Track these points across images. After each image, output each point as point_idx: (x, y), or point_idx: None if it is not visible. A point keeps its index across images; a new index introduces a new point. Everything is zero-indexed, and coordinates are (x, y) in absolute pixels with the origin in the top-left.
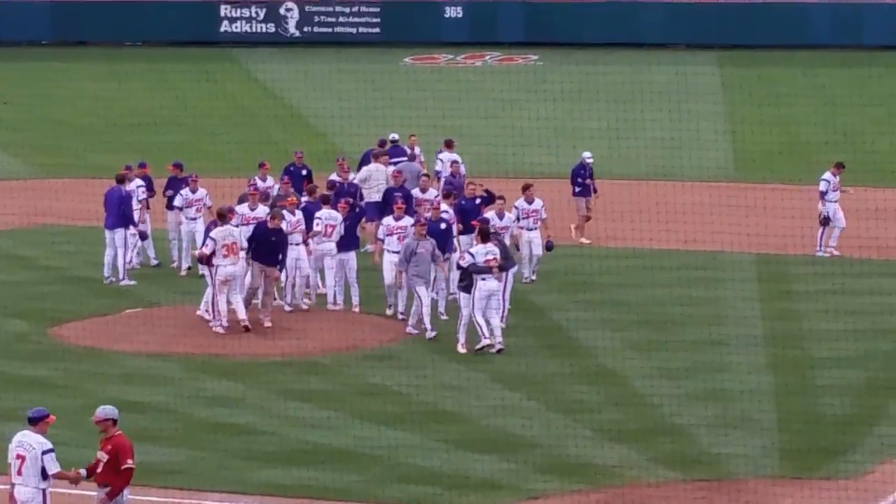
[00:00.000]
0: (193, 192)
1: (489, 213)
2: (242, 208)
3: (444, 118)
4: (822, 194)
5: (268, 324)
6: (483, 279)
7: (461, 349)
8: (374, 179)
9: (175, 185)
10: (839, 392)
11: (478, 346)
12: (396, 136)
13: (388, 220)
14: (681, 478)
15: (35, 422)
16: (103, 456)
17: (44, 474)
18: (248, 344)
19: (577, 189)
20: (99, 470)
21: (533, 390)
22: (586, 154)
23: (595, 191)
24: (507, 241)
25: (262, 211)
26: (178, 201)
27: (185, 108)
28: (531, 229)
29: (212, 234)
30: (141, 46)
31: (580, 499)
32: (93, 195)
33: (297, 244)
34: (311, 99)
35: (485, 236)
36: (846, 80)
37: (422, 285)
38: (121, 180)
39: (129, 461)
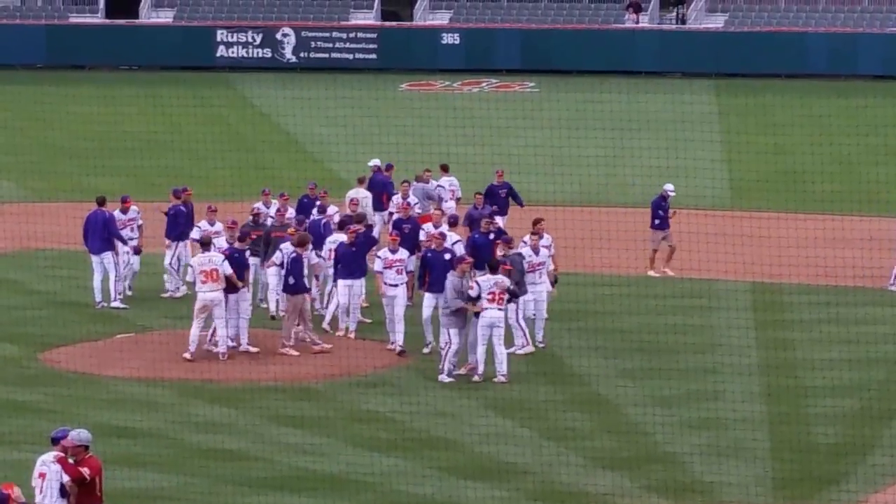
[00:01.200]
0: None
1: (524, 249)
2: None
3: (440, 145)
4: None
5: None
6: (485, 309)
7: (445, 378)
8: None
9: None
10: (833, 421)
11: (464, 373)
12: (378, 162)
13: (385, 253)
14: None
15: (55, 442)
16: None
17: (62, 492)
18: (241, 369)
19: (657, 221)
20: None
21: (525, 417)
22: (668, 186)
23: (674, 214)
24: (545, 278)
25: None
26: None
27: (180, 132)
28: (536, 283)
29: (191, 260)
30: (136, 70)
31: None
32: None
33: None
34: (307, 124)
35: (493, 268)
36: (842, 110)
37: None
38: (101, 203)
39: (85, 469)
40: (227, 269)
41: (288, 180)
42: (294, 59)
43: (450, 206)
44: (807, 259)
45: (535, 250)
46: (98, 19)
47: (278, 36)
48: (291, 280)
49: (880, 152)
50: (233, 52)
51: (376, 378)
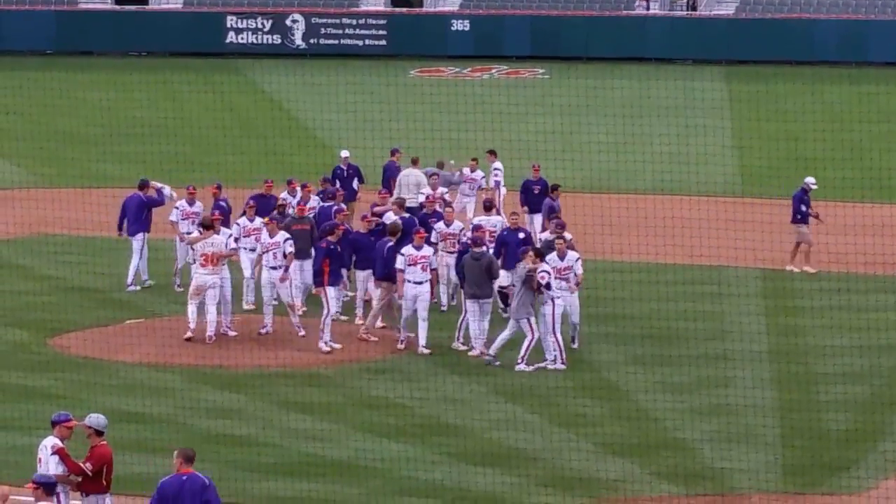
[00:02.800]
0: (191, 204)
1: (549, 256)
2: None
3: (450, 131)
4: None
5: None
6: (559, 297)
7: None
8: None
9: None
10: (843, 408)
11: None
12: (346, 154)
13: (409, 250)
14: (683, 492)
15: (54, 425)
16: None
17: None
18: (250, 355)
19: (799, 216)
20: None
21: (535, 404)
22: (810, 179)
23: (817, 216)
24: (573, 284)
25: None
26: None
27: (190, 118)
28: (563, 290)
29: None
30: (146, 56)
31: None
32: (95, 205)
33: (274, 267)
34: (316, 111)
35: (539, 254)
36: (852, 97)
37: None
38: (142, 187)
39: (88, 465)
40: (230, 244)
41: (297, 166)
42: (304, 46)
43: (468, 200)
44: (817, 246)
45: (561, 255)
46: (107, 5)
47: (288, 22)
48: (385, 269)
49: (891, 139)
50: (242, 39)
51: (385, 364)
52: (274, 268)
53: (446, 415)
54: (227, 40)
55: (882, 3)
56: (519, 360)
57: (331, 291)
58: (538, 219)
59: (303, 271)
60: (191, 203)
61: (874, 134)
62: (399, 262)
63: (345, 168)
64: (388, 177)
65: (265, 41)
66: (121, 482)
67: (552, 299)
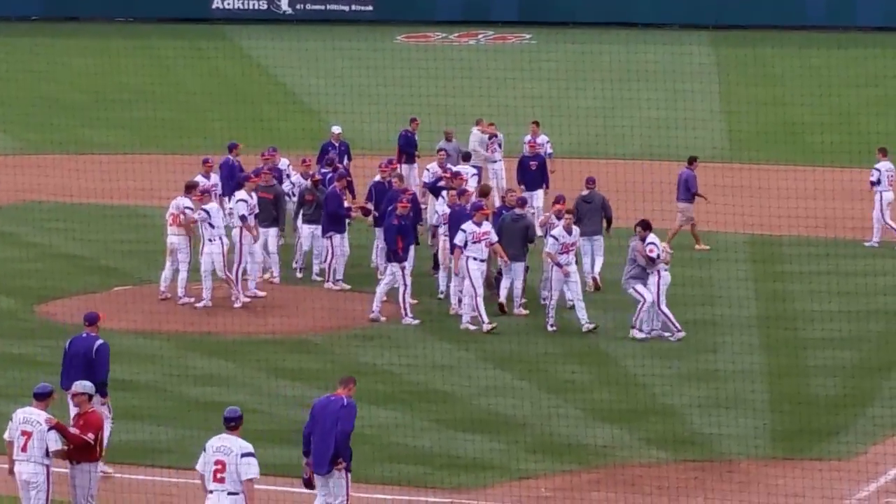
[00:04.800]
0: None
1: (556, 230)
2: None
3: (437, 97)
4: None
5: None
6: (665, 269)
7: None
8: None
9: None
10: (831, 373)
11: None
12: (338, 130)
13: (470, 226)
14: (672, 458)
15: (41, 398)
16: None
17: (47, 453)
18: (239, 322)
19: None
20: (71, 446)
21: (524, 370)
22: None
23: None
24: (573, 259)
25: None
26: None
27: (176, 84)
28: (569, 265)
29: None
30: (132, 22)
31: (571, 479)
32: (81, 171)
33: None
34: (303, 76)
35: (647, 226)
36: (840, 61)
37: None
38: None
39: (90, 434)
40: (189, 214)
41: (284, 132)
42: (290, 11)
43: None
44: (805, 211)
45: (569, 230)
46: None
47: None
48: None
49: (879, 104)
50: (228, 4)
51: (373, 331)
52: (210, 240)
53: (435, 381)
54: (214, 6)
55: None
56: (633, 325)
57: (406, 268)
58: (539, 195)
59: (270, 238)
60: (206, 176)
61: (862, 98)
62: (459, 239)
63: (336, 144)
64: (401, 145)
65: (251, 7)
66: (109, 450)
67: (658, 271)
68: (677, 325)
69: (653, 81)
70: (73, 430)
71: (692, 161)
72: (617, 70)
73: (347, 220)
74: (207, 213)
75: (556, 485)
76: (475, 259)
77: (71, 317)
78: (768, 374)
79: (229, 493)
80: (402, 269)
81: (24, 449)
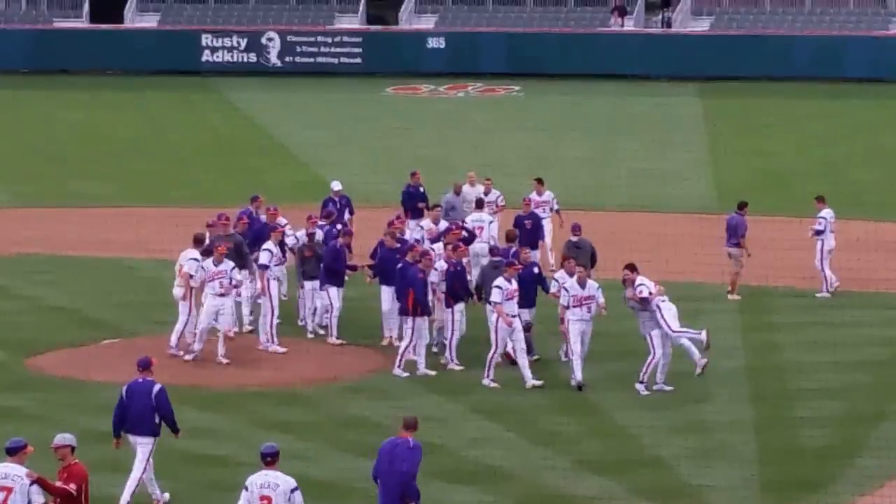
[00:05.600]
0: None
1: (568, 283)
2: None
3: (426, 147)
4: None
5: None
6: (664, 300)
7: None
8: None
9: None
10: (820, 424)
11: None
12: (339, 186)
13: (502, 283)
14: None
15: (13, 452)
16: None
17: None
18: (228, 374)
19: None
20: (57, 501)
21: (512, 421)
22: None
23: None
24: (591, 315)
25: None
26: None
27: (166, 137)
28: (584, 319)
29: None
30: (122, 75)
31: None
32: (72, 224)
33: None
34: (291, 128)
35: (633, 268)
36: (827, 112)
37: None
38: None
39: (72, 485)
40: (191, 268)
41: (273, 184)
42: (279, 64)
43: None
44: (793, 261)
45: (582, 283)
46: (83, 24)
47: (263, 40)
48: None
49: (866, 155)
50: (218, 57)
51: (363, 383)
52: (221, 295)
53: (424, 433)
54: (203, 59)
55: (857, 19)
56: (640, 379)
57: (417, 321)
58: (536, 255)
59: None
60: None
61: (849, 149)
62: (496, 296)
63: (336, 200)
64: (402, 201)
65: (240, 59)
66: (96, 503)
67: (658, 307)
68: (694, 330)
69: (640, 133)
70: (57, 484)
71: (742, 206)
72: (604, 121)
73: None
74: (203, 268)
75: None
76: (511, 316)
77: (60, 370)
78: (756, 425)
79: None
80: (414, 322)
81: None
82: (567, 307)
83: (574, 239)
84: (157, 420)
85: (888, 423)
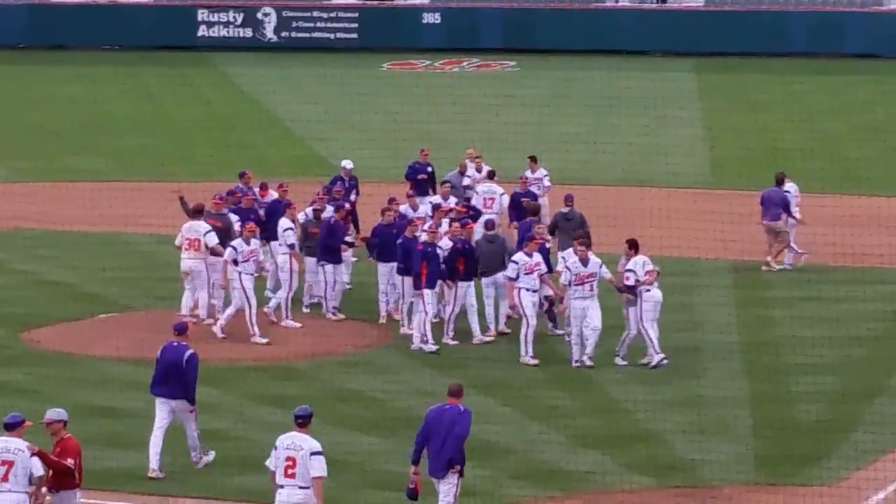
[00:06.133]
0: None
1: (571, 261)
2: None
3: (422, 123)
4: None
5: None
6: (649, 290)
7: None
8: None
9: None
10: (815, 399)
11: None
12: (350, 165)
13: (520, 257)
14: (655, 484)
15: (12, 427)
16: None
17: (30, 479)
18: (224, 349)
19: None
20: (50, 473)
21: (508, 396)
22: None
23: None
24: (595, 293)
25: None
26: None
27: (162, 112)
28: (585, 297)
29: (183, 227)
30: (118, 50)
31: None
32: (68, 199)
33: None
34: (288, 103)
35: (634, 246)
36: (824, 88)
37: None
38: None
39: (70, 460)
40: (212, 241)
41: (269, 160)
42: (275, 39)
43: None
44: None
45: (584, 261)
46: None
47: (259, 15)
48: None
49: (862, 130)
50: (214, 32)
51: (358, 357)
52: (250, 275)
53: (419, 408)
54: (199, 34)
55: None
56: (616, 353)
57: (427, 294)
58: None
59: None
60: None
61: (845, 125)
62: (511, 271)
63: (346, 179)
64: (406, 176)
65: (236, 34)
66: (91, 477)
67: (640, 292)
68: (657, 348)
69: (636, 108)
70: (53, 457)
71: (780, 180)
72: (600, 97)
73: (351, 250)
74: (235, 249)
75: None
76: (528, 290)
77: (56, 344)
78: (752, 400)
79: (300, 488)
80: (423, 295)
81: (5, 479)
82: (568, 285)
83: (565, 210)
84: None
85: (882, 397)
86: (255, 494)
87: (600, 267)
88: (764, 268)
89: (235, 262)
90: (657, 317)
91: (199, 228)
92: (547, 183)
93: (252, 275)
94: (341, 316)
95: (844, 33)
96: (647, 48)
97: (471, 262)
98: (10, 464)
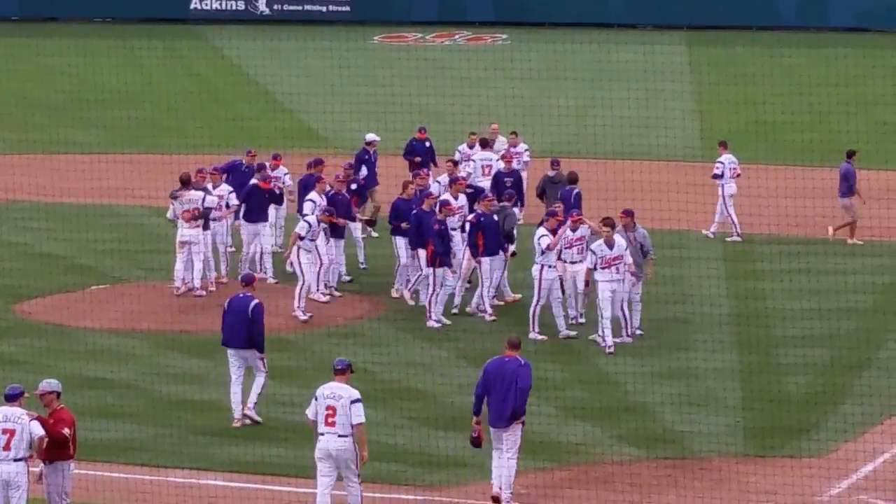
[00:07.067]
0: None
1: (595, 245)
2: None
3: (413, 96)
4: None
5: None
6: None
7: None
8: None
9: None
10: (803, 371)
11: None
12: (376, 137)
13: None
14: (645, 456)
15: (13, 398)
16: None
17: (30, 444)
18: (214, 320)
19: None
20: (44, 446)
21: None
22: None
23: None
24: (623, 274)
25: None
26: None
27: (154, 84)
28: (574, 262)
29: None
30: (110, 23)
31: (544, 476)
32: (60, 171)
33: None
34: (280, 76)
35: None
36: (812, 61)
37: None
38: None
39: (66, 430)
40: (209, 203)
41: (261, 133)
42: (267, 12)
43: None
44: (777, 209)
45: (609, 244)
46: None
47: None
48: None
49: (851, 103)
50: (206, 5)
51: (349, 329)
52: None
53: (410, 379)
54: (192, 6)
55: None
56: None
57: (485, 262)
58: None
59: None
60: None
61: (833, 98)
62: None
63: (371, 152)
64: (404, 154)
65: (229, 7)
66: (84, 448)
67: (596, 282)
68: (608, 327)
69: (627, 81)
70: (55, 427)
71: (851, 155)
72: (591, 70)
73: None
74: (310, 225)
75: (529, 482)
76: (549, 267)
77: (48, 315)
78: (741, 372)
79: (339, 436)
80: (480, 264)
81: (6, 447)
82: (594, 269)
83: (551, 174)
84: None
85: (871, 370)
86: (244, 465)
87: (625, 250)
88: (849, 241)
89: (300, 237)
90: (610, 298)
91: (195, 197)
92: (526, 158)
93: (309, 251)
94: (328, 297)
95: (833, 7)
96: (638, 21)
97: (490, 236)
98: (12, 433)
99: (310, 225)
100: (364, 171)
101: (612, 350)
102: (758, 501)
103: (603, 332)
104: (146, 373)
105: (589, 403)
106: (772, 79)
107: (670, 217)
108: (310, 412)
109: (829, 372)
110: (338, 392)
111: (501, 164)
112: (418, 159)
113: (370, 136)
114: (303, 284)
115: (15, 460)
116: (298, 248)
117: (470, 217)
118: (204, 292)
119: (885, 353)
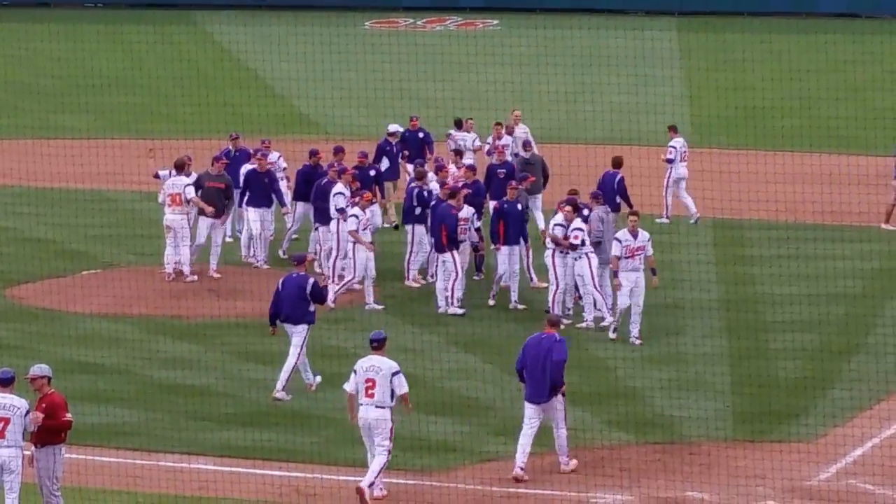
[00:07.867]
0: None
1: (620, 233)
2: None
3: (403, 81)
4: None
5: None
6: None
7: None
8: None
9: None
10: (793, 356)
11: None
12: (399, 128)
13: (625, 236)
14: (635, 440)
15: (7, 383)
16: (37, 416)
17: (24, 434)
18: (206, 305)
19: None
20: (34, 430)
21: (489, 353)
22: None
23: None
24: (642, 264)
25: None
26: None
27: (145, 70)
28: (636, 270)
29: (165, 183)
30: (101, 7)
31: (535, 461)
32: (51, 156)
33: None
34: (270, 62)
35: (576, 207)
36: (803, 47)
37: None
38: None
39: (67, 415)
40: (190, 193)
41: (251, 118)
42: None
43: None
44: (767, 195)
45: (634, 234)
46: None
47: None
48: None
49: (841, 89)
50: None
51: (341, 314)
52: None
53: (401, 364)
54: None
55: None
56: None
57: (503, 251)
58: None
59: (214, 229)
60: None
61: (823, 84)
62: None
63: (393, 144)
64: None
65: None
66: (75, 433)
67: (587, 255)
68: (608, 307)
69: (617, 67)
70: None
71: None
72: (582, 56)
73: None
74: (357, 217)
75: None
76: (562, 254)
77: (40, 300)
78: (731, 357)
79: (377, 407)
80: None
81: (1, 435)
82: (620, 258)
83: (526, 155)
84: (310, 308)
85: (860, 355)
86: (236, 450)
87: (648, 241)
88: (883, 226)
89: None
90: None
91: (180, 183)
92: (529, 138)
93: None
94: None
95: None
96: (629, 7)
97: (513, 224)
98: (7, 420)
99: (357, 217)
100: (386, 162)
101: (639, 341)
102: (747, 486)
103: (629, 326)
104: (137, 357)
105: (580, 388)
106: (762, 65)
107: (661, 203)
108: (348, 386)
109: (818, 357)
110: (377, 365)
111: (478, 141)
112: (406, 153)
113: (392, 127)
114: (352, 278)
115: (9, 447)
116: (353, 243)
117: (493, 204)
118: (195, 277)
119: (874, 339)
